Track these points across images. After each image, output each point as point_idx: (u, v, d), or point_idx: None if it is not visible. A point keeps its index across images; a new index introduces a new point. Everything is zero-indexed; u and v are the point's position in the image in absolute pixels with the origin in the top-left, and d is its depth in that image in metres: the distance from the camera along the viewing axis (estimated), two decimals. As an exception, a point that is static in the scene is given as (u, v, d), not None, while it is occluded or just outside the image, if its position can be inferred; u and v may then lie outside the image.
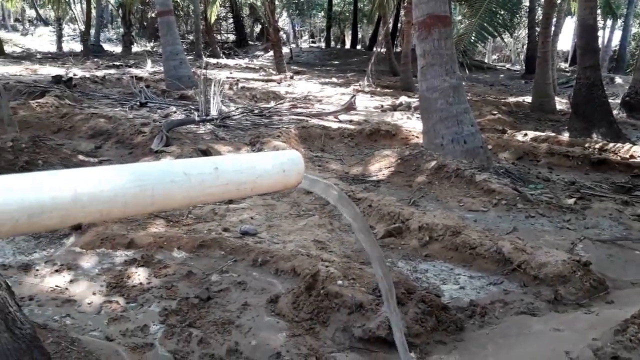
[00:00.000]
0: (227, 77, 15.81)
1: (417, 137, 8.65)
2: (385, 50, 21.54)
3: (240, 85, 14.11)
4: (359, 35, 36.12)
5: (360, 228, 1.55)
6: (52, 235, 4.24)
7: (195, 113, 9.26)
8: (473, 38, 13.02)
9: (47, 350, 2.32)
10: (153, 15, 30.25)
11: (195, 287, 3.58)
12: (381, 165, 7.05)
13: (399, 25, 25.87)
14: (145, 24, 34.66)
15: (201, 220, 4.83)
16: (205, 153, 6.48)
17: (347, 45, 35.93)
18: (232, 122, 9.13)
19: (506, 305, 3.50)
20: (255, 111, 10.37)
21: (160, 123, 8.08)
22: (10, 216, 0.78)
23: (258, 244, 4.22)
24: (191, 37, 29.45)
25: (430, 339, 3.07)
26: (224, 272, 3.81)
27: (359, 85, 16.67)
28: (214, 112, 9.10)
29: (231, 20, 34.53)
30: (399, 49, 23.57)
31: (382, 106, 12.82)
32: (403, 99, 13.40)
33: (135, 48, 27.98)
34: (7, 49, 24.39)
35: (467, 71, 14.08)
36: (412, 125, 9.98)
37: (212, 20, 25.33)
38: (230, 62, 24.06)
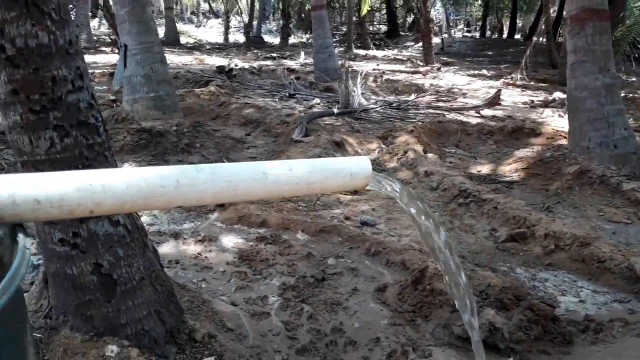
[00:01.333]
0: (373, 69, 16.10)
1: (565, 137, 8.07)
2: (545, 40, 20.02)
3: (384, 77, 14.29)
4: (518, 24, 33.92)
5: (431, 231, 1.66)
6: (200, 210, 4.91)
7: (336, 105, 9.69)
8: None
9: (182, 306, 2.79)
10: (309, 8, 31.69)
11: (313, 267, 3.92)
12: (518, 166, 6.77)
13: (563, 13, 23.78)
14: (302, 16, 36.43)
15: (327, 207, 5.17)
16: (339, 145, 6.83)
17: (505, 35, 33.92)
18: (370, 115, 9.39)
19: (627, 325, 3.27)
20: (394, 104, 10.50)
21: (303, 114, 8.64)
22: (130, 198, 1.10)
23: (374, 235, 4.43)
24: (344, 29, 30.28)
25: (532, 348, 3.02)
26: (340, 257, 4.09)
27: (511, 78, 15.79)
28: (354, 105, 9.44)
29: (384, 11, 34.75)
30: (561, 39, 21.72)
31: (532, 101, 12.07)
32: (557, 94, 12.44)
33: (292, 40, 29.64)
34: (182, 39, 27.34)
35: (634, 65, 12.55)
36: (563, 124, 9.29)
37: (365, 12, 25.78)
38: (379, 53, 24.32)
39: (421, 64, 19.45)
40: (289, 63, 18.30)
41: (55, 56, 2.08)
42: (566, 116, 10.10)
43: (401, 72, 16.87)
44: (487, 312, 3.12)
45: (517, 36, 32.09)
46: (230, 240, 4.28)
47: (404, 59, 21.90)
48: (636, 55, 12.29)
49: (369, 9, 27.25)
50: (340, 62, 15.44)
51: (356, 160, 1.41)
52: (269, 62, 18.47)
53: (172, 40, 24.56)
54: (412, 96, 11.66)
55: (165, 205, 1.19)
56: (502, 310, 3.18)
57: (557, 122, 9.72)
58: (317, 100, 10.58)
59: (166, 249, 4.11)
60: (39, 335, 2.43)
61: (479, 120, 9.42)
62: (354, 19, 26.21)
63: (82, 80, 2.20)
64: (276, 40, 30.05)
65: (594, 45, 6.13)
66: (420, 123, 8.33)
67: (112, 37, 18.91)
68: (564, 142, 7.73)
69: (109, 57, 17.26)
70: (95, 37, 22.95)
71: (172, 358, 2.50)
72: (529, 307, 3.19)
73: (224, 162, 5.89)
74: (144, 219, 4.72)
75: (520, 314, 3.14)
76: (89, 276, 2.34)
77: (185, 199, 1.20)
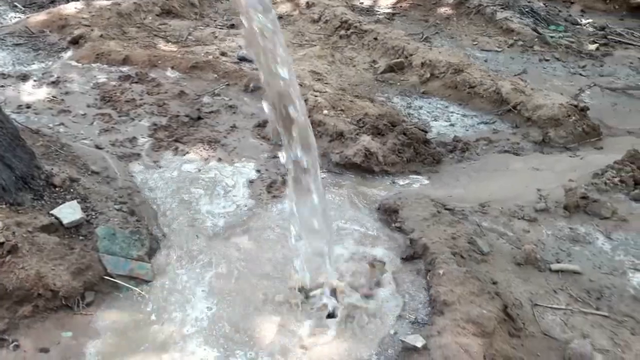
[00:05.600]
0: None
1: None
2: None
3: None
4: None
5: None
6: (51, 49, 4.26)
7: None
8: None
9: (33, 150, 2.46)
10: None
11: (187, 106, 3.66)
12: (399, -2, 6.60)
13: None
14: None
15: (200, 42, 4.74)
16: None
17: None
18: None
19: (491, 143, 3.53)
20: None
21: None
22: None
23: (254, 70, 4.18)
24: None
25: (405, 169, 3.16)
26: (216, 95, 3.84)
27: None
28: None
29: None
30: None
31: None
32: None
33: None
34: None
35: None
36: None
37: None
38: None
39: None
40: None
41: None
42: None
43: None
44: (363, 138, 3.16)
45: None
46: (88, 81, 3.81)
47: None
48: None
49: None
50: None
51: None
52: None
53: None
54: None
55: None
56: (377, 136, 3.23)
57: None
58: None
59: (13, 92, 3.57)
60: None
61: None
62: None
63: None
64: None
65: None
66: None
67: None
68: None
69: None
70: None
71: (29, 205, 2.25)
72: (402, 132, 3.28)
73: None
74: (-20, 60, 4.02)
75: (395, 138, 3.22)
76: None
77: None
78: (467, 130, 3.74)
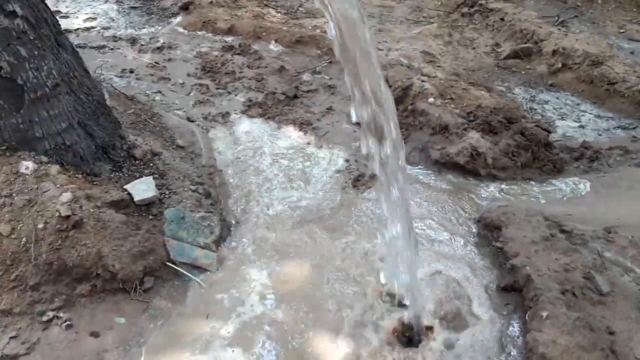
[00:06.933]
0: None
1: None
2: None
3: None
4: None
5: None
6: (162, 14, 4.28)
7: None
8: None
9: (117, 119, 2.41)
10: None
11: (285, 83, 3.48)
12: (537, -27, 5.85)
13: None
14: None
15: (310, 15, 4.51)
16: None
17: None
18: None
19: (628, 153, 2.93)
20: None
21: None
22: None
23: (360, 47, 3.88)
24: None
25: (518, 175, 2.72)
26: (317, 72, 3.61)
27: None
28: None
29: None
30: None
31: None
32: None
33: None
34: None
35: None
36: None
37: None
38: None
39: None
40: None
41: None
42: None
43: None
44: (471, 135, 2.75)
45: None
46: (192, 49, 3.76)
47: None
48: None
49: None
50: None
51: None
52: None
53: None
54: None
55: None
56: (489, 134, 2.81)
57: None
58: None
59: (120, 56, 3.62)
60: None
61: None
62: None
63: None
64: None
65: None
66: None
67: None
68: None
69: None
70: None
71: (106, 176, 2.20)
72: (520, 131, 2.82)
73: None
74: (100, 20, 4.14)
75: (510, 138, 2.78)
76: (-16, 80, 1.91)
77: None
78: (600, 135, 3.16)
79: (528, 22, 4.17)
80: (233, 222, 2.30)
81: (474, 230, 2.35)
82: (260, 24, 4.02)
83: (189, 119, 2.99)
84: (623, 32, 4.59)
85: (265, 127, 3.04)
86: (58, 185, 1.95)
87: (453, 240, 2.27)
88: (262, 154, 2.79)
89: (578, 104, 3.50)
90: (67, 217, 1.83)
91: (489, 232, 2.28)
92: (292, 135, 2.97)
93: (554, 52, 3.83)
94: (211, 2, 4.22)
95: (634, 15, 4.80)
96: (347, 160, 2.78)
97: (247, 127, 3.00)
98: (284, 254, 2.16)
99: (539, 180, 2.72)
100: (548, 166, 2.76)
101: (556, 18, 4.77)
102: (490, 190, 2.61)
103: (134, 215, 2.03)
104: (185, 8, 4.18)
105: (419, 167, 2.79)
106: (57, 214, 1.85)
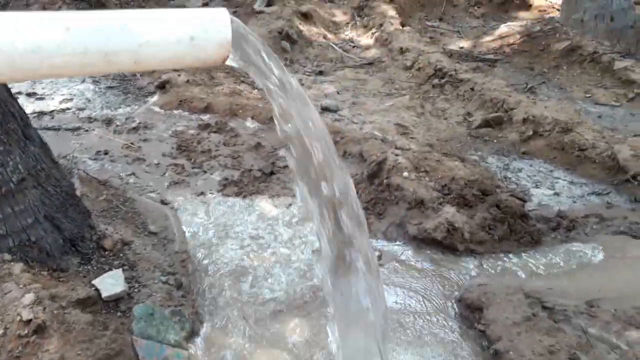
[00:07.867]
0: None
1: (558, 9, 7.31)
2: None
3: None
4: None
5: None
6: (139, 93, 4.33)
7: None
8: None
9: (86, 209, 2.37)
10: None
11: (261, 160, 3.48)
12: (503, 42, 6.11)
13: None
14: None
15: (285, 89, 4.60)
16: (306, 16, 6.05)
17: None
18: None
19: (603, 221, 2.95)
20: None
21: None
22: None
23: (335, 122, 3.95)
24: None
25: (496, 249, 2.70)
26: (293, 147, 3.64)
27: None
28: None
29: None
30: None
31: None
32: (555, -38, 11.28)
33: None
34: None
35: None
36: (557, -5, 8.43)
37: None
38: None
39: None
40: None
41: None
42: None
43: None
44: (447, 209, 2.75)
45: None
46: (168, 128, 3.78)
47: None
48: None
49: None
50: None
51: (204, 15, 0.86)
52: None
53: None
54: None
55: None
56: (464, 208, 2.81)
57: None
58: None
59: (95, 138, 3.61)
60: None
61: (466, -10, 8.49)
62: None
63: None
64: None
65: None
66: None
67: None
68: (556, 15, 6.99)
69: None
70: None
71: (74, 270, 2.12)
72: (495, 204, 2.83)
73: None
74: (76, 101, 4.16)
75: (485, 211, 2.78)
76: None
77: None
78: (575, 202, 3.19)
79: (497, 91, 4.30)
80: (206, 315, 2.21)
81: (456, 309, 2.29)
82: (237, 101, 4.08)
83: (163, 202, 2.95)
84: (589, 96, 4.75)
85: (241, 205, 3.01)
86: (21, 286, 1.87)
87: (433, 324, 2.21)
88: (236, 236, 2.74)
89: (551, 171, 3.55)
90: (29, 321, 1.74)
91: (471, 312, 2.23)
92: (268, 213, 2.94)
93: (524, 120, 3.93)
94: (188, 81, 4.29)
95: (598, 80, 5.00)
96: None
97: (222, 207, 2.97)
98: (260, 346, 2.07)
99: (517, 252, 2.71)
100: (525, 238, 2.76)
101: (525, 85, 4.94)
102: (469, 267, 2.57)
103: (101, 314, 1.94)
104: (161, 87, 4.24)
105: (397, 242, 2.76)
106: (18, 318, 1.76)
